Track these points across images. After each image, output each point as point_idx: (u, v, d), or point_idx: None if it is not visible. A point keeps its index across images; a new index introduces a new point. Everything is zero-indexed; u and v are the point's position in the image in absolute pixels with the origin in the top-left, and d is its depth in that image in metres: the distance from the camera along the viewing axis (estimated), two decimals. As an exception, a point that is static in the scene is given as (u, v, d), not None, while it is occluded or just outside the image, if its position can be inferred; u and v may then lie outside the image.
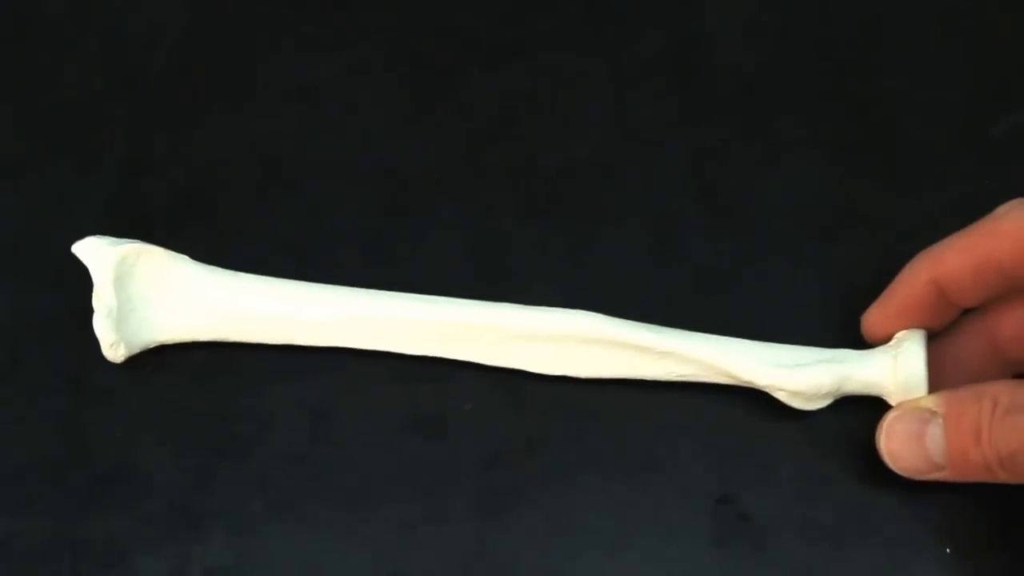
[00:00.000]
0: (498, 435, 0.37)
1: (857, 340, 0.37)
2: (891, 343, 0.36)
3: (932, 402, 0.34)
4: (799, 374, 0.36)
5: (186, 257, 0.38)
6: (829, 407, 0.37)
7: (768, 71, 0.43)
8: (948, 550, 0.36)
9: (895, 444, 0.35)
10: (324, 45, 0.42)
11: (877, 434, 0.35)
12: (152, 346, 0.38)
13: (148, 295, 0.38)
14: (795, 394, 0.36)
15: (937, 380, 0.35)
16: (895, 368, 0.35)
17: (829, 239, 0.39)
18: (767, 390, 0.36)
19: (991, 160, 0.41)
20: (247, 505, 0.37)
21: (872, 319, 0.37)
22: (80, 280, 0.39)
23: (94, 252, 0.37)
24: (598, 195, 0.40)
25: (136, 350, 0.38)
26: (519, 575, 0.36)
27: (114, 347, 0.37)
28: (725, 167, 0.40)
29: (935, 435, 0.34)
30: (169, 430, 0.37)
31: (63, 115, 0.41)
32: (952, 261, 0.35)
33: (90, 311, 0.38)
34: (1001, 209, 0.34)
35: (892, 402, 0.36)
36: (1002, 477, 0.33)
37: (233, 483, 0.37)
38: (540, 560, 0.36)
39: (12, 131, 0.41)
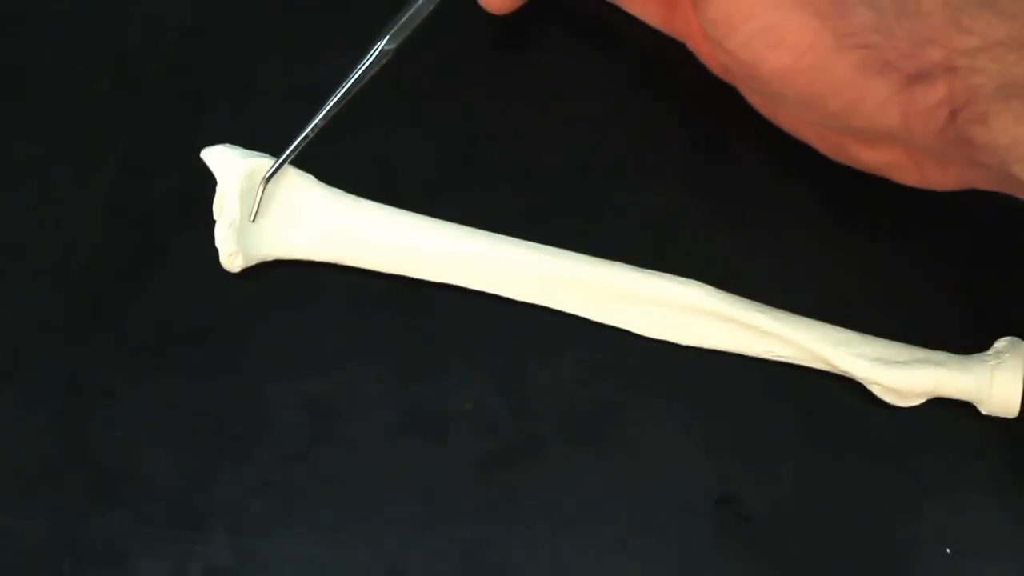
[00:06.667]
0: (498, 435, 0.37)
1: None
2: (990, 351, 0.37)
3: None
4: (898, 372, 0.36)
5: (312, 177, 0.39)
6: (822, 407, 0.37)
7: (768, 71, 0.43)
8: (948, 550, 0.36)
9: None
10: (324, 45, 0.42)
11: None
12: (269, 259, 0.38)
13: (271, 210, 0.38)
14: (890, 390, 0.36)
15: None
16: (991, 381, 0.36)
17: (829, 239, 0.39)
18: (863, 382, 0.37)
19: (991, 160, 0.41)
20: (247, 505, 0.37)
21: None
22: (80, 280, 0.39)
23: (223, 161, 0.38)
24: (598, 195, 0.40)
25: (253, 262, 0.38)
26: (519, 575, 0.36)
27: (232, 257, 0.38)
28: (725, 166, 0.40)
29: None
30: (169, 430, 0.37)
31: (63, 115, 0.41)
32: None
33: (91, 310, 0.39)
34: None
35: (983, 411, 0.36)
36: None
37: (233, 483, 0.37)
38: (540, 560, 0.36)
39: (12, 131, 0.41)
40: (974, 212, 0.37)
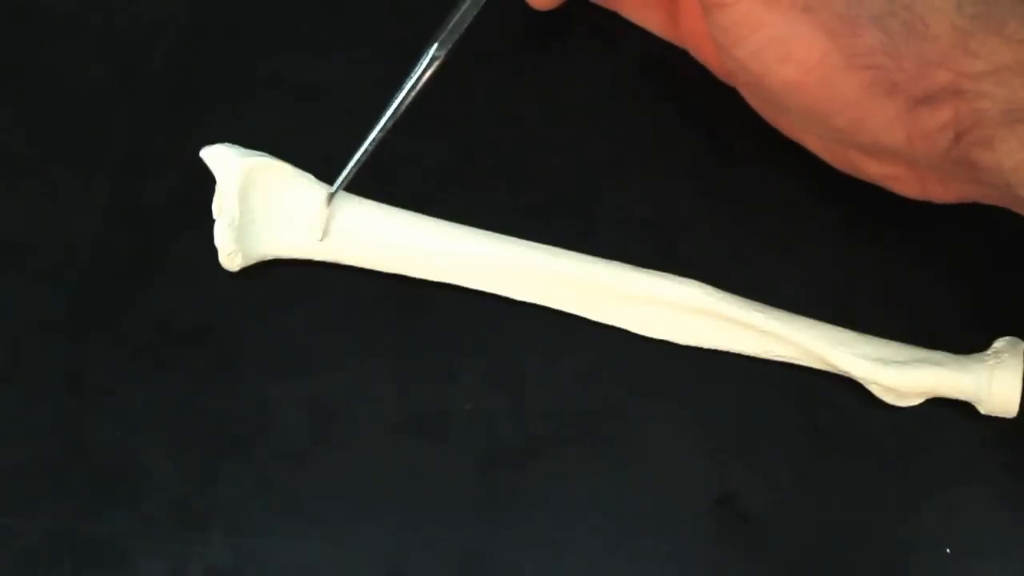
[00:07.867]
0: (498, 435, 0.37)
1: (857, 340, 0.37)
2: (989, 351, 0.37)
3: None
4: (898, 372, 0.36)
5: (311, 176, 0.39)
6: (822, 407, 0.37)
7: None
8: (948, 550, 0.36)
9: None
10: (324, 45, 0.42)
11: None
12: (268, 259, 0.38)
13: (269, 209, 0.38)
14: (889, 390, 0.36)
15: None
16: (990, 381, 0.36)
17: (829, 239, 0.39)
18: (862, 382, 0.37)
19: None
20: (247, 505, 0.37)
21: None
22: (80, 280, 0.39)
23: (222, 160, 0.38)
24: (598, 195, 0.40)
25: (252, 261, 0.38)
26: (519, 575, 0.36)
27: (231, 257, 0.38)
28: (725, 166, 0.40)
29: None
30: (169, 430, 0.37)
31: (63, 115, 0.41)
32: None
33: (91, 310, 0.39)
34: None
35: (982, 410, 0.36)
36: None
37: (233, 483, 0.37)
38: (540, 560, 0.36)
39: (11, 131, 0.41)
40: (973, 212, 0.37)
